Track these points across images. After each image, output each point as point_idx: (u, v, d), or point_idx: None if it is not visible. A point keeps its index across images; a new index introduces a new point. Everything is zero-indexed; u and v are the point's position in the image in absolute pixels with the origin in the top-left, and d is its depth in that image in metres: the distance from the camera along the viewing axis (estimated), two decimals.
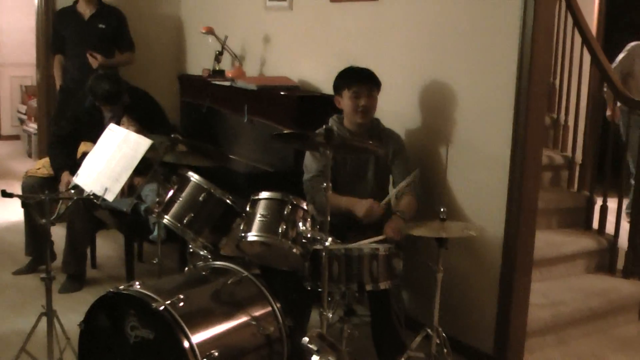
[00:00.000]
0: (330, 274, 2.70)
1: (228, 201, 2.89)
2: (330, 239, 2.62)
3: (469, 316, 3.46)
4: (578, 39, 4.49)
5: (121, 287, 2.60)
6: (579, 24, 4.43)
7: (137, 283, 2.60)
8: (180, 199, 2.92)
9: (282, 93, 4.12)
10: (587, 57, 4.44)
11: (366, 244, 2.92)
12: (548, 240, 4.00)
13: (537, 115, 3.19)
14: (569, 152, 4.66)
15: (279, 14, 4.68)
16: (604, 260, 4.26)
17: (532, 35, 3.08)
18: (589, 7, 5.52)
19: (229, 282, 2.74)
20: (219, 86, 4.66)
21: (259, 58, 4.87)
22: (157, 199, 2.99)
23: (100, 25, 5.08)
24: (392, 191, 3.30)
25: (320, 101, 4.01)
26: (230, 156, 4.28)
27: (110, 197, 2.83)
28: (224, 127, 4.67)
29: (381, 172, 3.43)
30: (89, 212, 4.11)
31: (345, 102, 3.37)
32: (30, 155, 7.95)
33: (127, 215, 3.89)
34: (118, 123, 3.90)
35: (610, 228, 4.30)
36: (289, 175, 3.72)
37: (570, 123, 4.68)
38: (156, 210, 2.96)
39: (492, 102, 3.28)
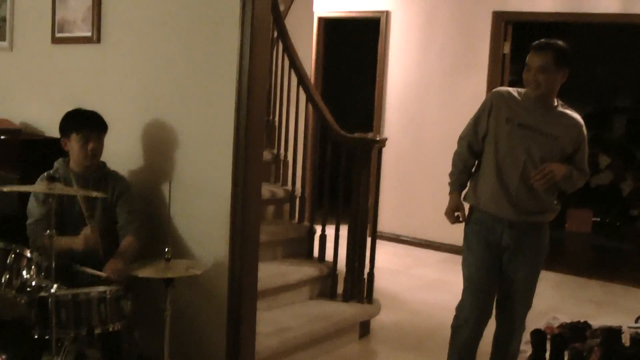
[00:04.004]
0: (59, 320, 2.90)
1: None
2: (55, 285, 2.82)
3: (200, 349, 3.73)
4: (295, 79, 5.06)
5: None
6: (295, 65, 5.01)
7: None
8: None
9: (2, 137, 4.19)
10: (303, 96, 5.02)
11: (94, 289, 3.10)
12: (274, 271, 4.51)
13: (255, 151, 3.55)
14: (290, 186, 5.18)
15: None
16: (325, 286, 4.84)
17: (249, 76, 3.43)
18: (307, 50, 6.19)
19: None
20: None
21: None
22: None
23: None
24: None
25: (45, 144, 4.15)
26: None
27: None
28: None
29: (108, 213, 3.64)
30: None
31: (72, 145, 3.55)
32: None
33: None
34: None
35: (330, 255, 4.87)
36: (13, 221, 3.73)
37: (290, 158, 5.22)
38: None
39: (212, 140, 3.59)
